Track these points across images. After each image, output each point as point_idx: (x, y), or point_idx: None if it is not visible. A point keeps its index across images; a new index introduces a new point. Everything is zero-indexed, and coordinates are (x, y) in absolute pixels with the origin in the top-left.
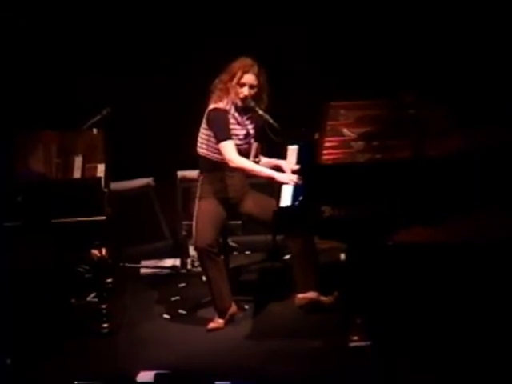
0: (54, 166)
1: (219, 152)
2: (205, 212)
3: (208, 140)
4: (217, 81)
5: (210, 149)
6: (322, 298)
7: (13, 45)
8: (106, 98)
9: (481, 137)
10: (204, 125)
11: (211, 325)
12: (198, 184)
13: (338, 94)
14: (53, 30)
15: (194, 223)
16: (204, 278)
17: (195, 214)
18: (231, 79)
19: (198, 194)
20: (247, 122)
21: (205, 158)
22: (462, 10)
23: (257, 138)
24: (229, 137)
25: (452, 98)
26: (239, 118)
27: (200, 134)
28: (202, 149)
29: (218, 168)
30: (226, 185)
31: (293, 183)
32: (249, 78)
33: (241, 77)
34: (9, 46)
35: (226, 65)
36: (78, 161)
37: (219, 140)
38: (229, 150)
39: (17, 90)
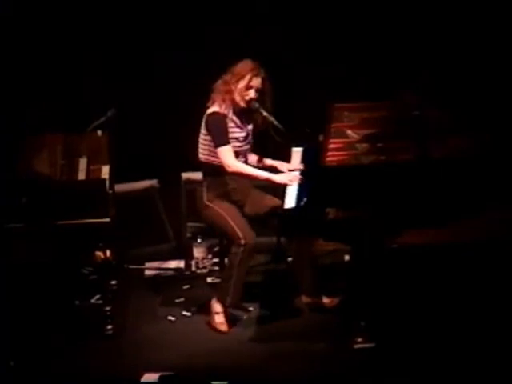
0: (58, 167)
1: None
2: (228, 210)
3: (209, 145)
4: (220, 82)
5: (211, 154)
6: (325, 300)
7: (17, 45)
8: (110, 99)
9: (484, 137)
10: (203, 130)
11: (223, 327)
12: (203, 189)
13: (343, 95)
14: (56, 31)
15: (224, 224)
16: (209, 280)
17: (217, 215)
18: (238, 81)
19: (205, 199)
20: (246, 124)
21: (207, 163)
22: (462, 11)
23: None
24: (227, 142)
25: (456, 98)
26: (238, 121)
27: (200, 140)
28: (203, 154)
29: (221, 172)
30: (231, 188)
31: (292, 183)
32: (257, 82)
33: (250, 79)
34: (13, 46)
35: (226, 65)
36: (83, 162)
37: (217, 145)
38: (226, 155)
39: (21, 91)
